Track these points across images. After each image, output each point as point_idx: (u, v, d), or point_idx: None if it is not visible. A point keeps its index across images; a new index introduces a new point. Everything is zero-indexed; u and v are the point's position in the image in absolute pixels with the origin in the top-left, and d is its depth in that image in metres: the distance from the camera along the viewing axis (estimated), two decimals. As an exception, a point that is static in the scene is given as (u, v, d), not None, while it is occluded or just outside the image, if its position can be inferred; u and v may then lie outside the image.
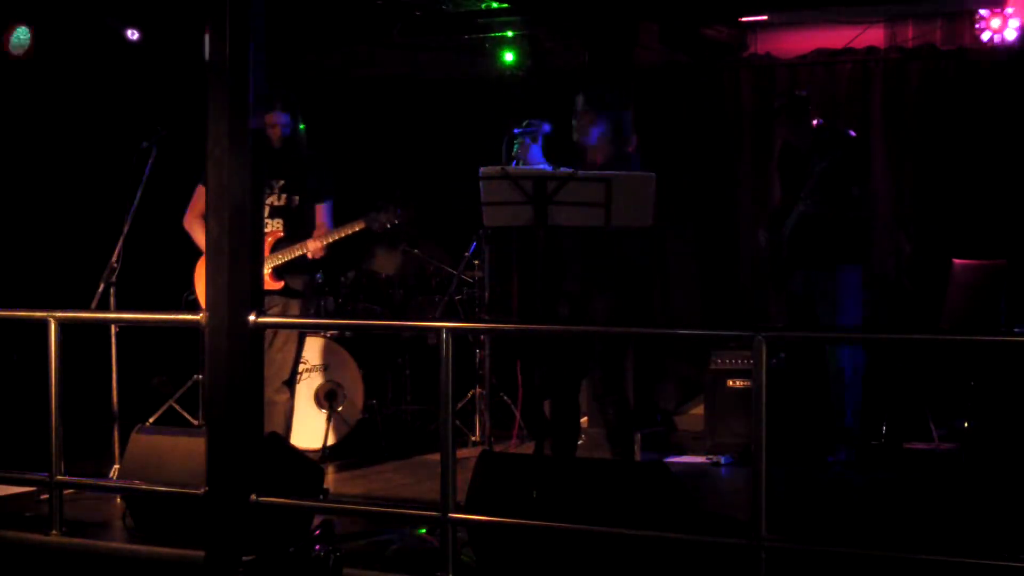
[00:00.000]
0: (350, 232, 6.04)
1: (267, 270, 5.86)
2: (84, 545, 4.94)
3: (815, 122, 6.49)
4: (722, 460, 6.77)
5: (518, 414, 7.18)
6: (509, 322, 7.26)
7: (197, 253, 6.07)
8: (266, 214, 5.92)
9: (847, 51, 7.87)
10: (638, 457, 6.84)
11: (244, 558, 4.33)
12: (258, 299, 4.54)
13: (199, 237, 5.97)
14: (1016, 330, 6.09)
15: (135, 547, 4.88)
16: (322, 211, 6.08)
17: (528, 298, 5.64)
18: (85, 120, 8.11)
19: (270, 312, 5.63)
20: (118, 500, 5.47)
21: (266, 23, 4.47)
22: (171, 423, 7.24)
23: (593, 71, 7.37)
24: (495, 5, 7.90)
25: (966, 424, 6.71)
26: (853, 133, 6.64)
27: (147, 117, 6.26)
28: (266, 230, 5.91)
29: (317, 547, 4.22)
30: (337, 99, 8.99)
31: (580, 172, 5.08)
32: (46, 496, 5.24)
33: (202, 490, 4.53)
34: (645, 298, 5.72)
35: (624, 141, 5.58)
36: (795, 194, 6.44)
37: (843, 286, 6.41)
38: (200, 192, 6.01)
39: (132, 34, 8.08)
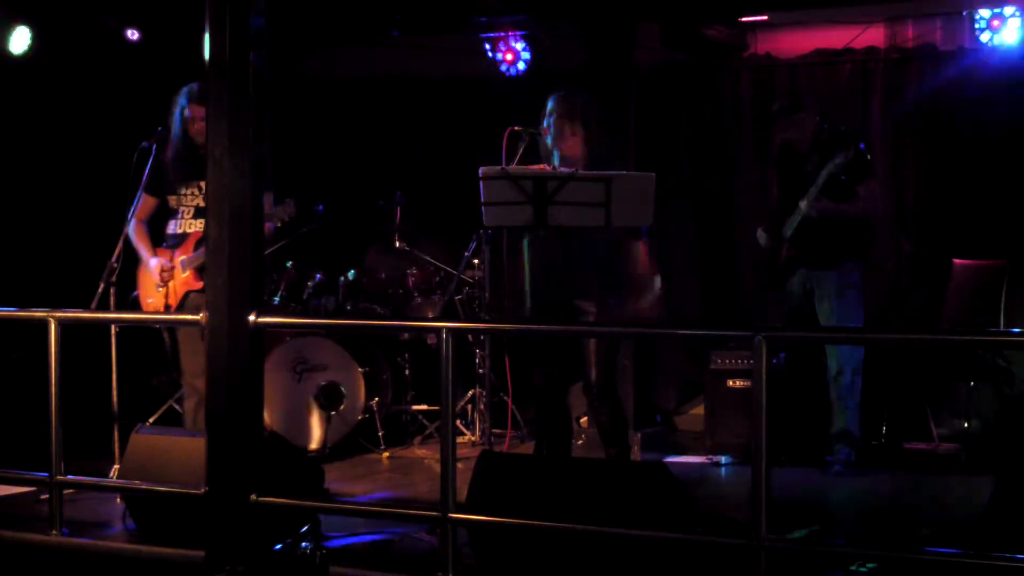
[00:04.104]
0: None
1: (188, 272, 5.87)
2: (84, 545, 4.94)
3: (812, 126, 6.49)
4: (722, 460, 6.78)
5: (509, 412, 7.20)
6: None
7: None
8: (192, 215, 5.93)
9: (847, 51, 7.86)
10: (637, 457, 6.85)
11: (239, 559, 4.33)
12: (258, 299, 4.54)
13: (139, 244, 6.01)
14: (1016, 330, 6.09)
15: (135, 547, 4.89)
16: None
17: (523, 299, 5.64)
18: (85, 120, 8.11)
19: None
20: (118, 500, 5.47)
21: (266, 22, 4.47)
22: (171, 423, 7.24)
23: (593, 71, 7.37)
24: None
25: (966, 424, 6.72)
26: (850, 131, 6.64)
27: (147, 117, 6.25)
28: (191, 230, 5.91)
29: (304, 544, 4.22)
30: (337, 99, 8.99)
31: (580, 172, 5.08)
32: (46, 496, 5.24)
33: (202, 490, 4.53)
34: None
35: (599, 143, 5.56)
36: (793, 194, 6.44)
37: (843, 286, 6.41)
38: (141, 199, 6.01)
39: (132, 34, 8.08)
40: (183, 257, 5.91)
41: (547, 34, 8.17)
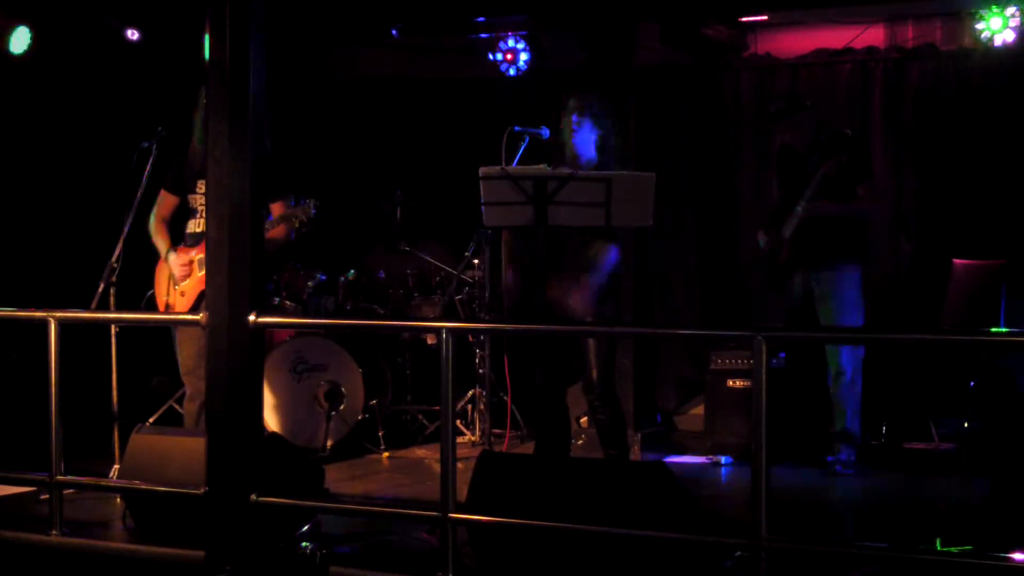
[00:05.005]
0: (273, 232, 6.01)
1: (204, 271, 5.88)
2: (84, 545, 4.94)
3: (811, 127, 6.50)
4: (722, 460, 6.78)
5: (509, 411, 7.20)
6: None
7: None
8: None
9: (847, 51, 7.87)
10: (637, 457, 6.85)
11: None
12: (258, 299, 4.54)
13: (158, 241, 6.08)
14: (1016, 330, 6.09)
15: (135, 547, 4.88)
16: (276, 209, 6.06)
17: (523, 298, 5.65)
18: (85, 120, 8.11)
19: None
20: (118, 500, 5.47)
21: (266, 23, 4.47)
22: (171, 423, 7.24)
23: (593, 71, 7.37)
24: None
25: (966, 424, 6.72)
26: (850, 132, 6.64)
27: (147, 117, 6.26)
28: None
29: (304, 544, 4.22)
30: (337, 99, 8.99)
31: (580, 172, 5.08)
32: (46, 496, 5.24)
33: (202, 490, 4.53)
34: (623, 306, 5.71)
35: (609, 150, 5.57)
36: (793, 194, 6.44)
37: (843, 286, 6.41)
38: (162, 197, 6.09)
39: (132, 34, 8.09)
40: (200, 256, 5.91)
41: (547, 34, 8.18)
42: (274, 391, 6.98)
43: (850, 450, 6.41)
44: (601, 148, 5.54)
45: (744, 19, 7.91)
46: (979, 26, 7.35)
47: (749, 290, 8.04)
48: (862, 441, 6.55)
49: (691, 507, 4.25)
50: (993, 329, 6.61)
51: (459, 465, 4.51)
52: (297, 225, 6.09)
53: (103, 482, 5.55)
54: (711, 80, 8.26)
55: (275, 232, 5.99)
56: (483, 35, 8.25)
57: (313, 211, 6.00)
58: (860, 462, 6.40)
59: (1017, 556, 3.55)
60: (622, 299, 5.76)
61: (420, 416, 7.79)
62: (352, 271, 7.77)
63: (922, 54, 7.74)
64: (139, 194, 5.94)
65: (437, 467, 4.54)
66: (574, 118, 5.51)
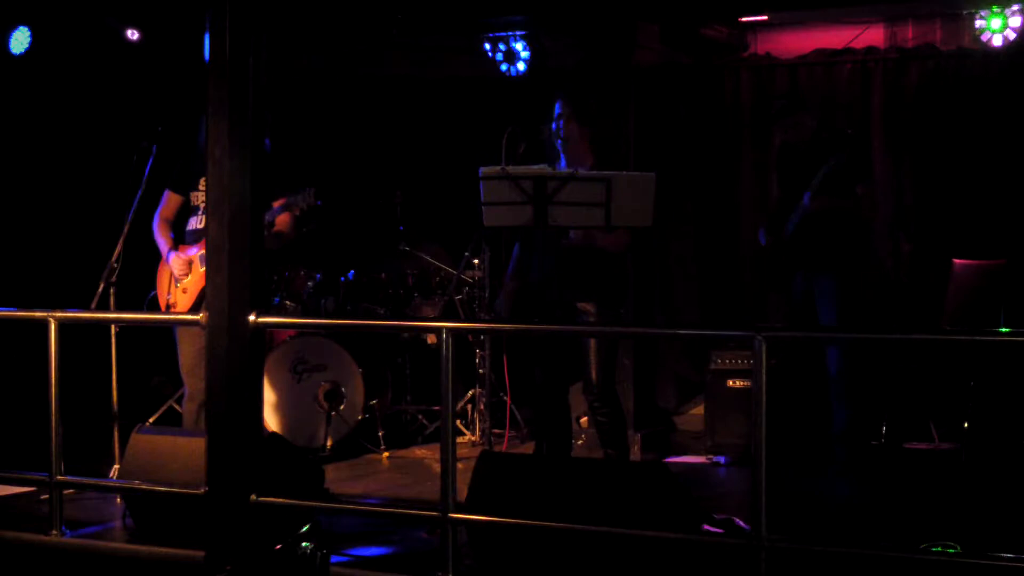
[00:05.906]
0: (279, 225, 6.01)
1: (204, 268, 5.89)
2: (84, 545, 4.94)
3: (812, 126, 6.51)
4: (722, 460, 6.78)
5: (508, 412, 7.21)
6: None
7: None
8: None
9: (847, 51, 7.87)
10: (637, 457, 6.85)
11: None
12: (258, 299, 4.54)
13: (160, 240, 6.11)
14: (1016, 330, 6.08)
15: (135, 547, 4.89)
16: (276, 207, 6.07)
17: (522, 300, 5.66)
18: (85, 120, 8.11)
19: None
20: (118, 500, 5.48)
21: (266, 22, 4.47)
22: (171, 423, 7.25)
23: (592, 71, 7.36)
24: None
25: (966, 424, 6.72)
26: (850, 132, 6.65)
27: (147, 117, 6.26)
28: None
29: (304, 544, 4.22)
30: (337, 99, 8.99)
31: (580, 172, 5.08)
32: (46, 496, 5.24)
33: (202, 490, 4.53)
34: (625, 307, 5.70)
35: (604, 145, 5.56)
36: (793, 194, 6.44)
37: (843, 286, 6.41)
38: (167, 196, 6.12)
39: (132, 34, 8.09)
40: (201, 252, 5.91)
41: (547, 34, 8.18)
42: (274, 391, 6.98)
43: (850, 450, 6.41)
44: (594, 140, 5.53)
45: (744, 19, 7.92)
46: (979, 26, 7.35)
47: (749, 289, 8.04)
48: (862, 441, 6.54)
49: (691, 507, 4.25)
50: (993, 329, 6.63)
51: (459, 465, 4.51)
52: (299, 213, 6.08)
53: (103, 482, 5.55)
54: (711, 80, 8.26)
55: (280, 225, 5.98)
56: (483, 35, 8.25)
57: (313, 198, 6.00)
58: (860, 462, 6.40)
59: (1014, 556, 3.55)
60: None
61: (420, 416, 7.79)
62: (352, 271, 7.77)
63: (922, 54, 7.74)
64: (139, 194, 5.94)
65: (437, 467, 4.54)
66: (563, 120, 5.51)
